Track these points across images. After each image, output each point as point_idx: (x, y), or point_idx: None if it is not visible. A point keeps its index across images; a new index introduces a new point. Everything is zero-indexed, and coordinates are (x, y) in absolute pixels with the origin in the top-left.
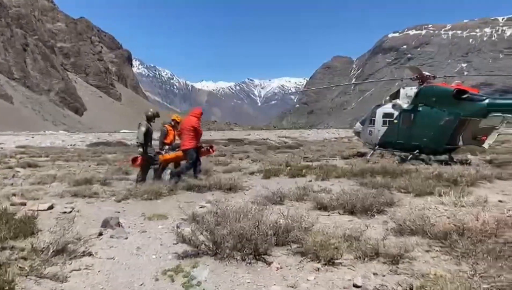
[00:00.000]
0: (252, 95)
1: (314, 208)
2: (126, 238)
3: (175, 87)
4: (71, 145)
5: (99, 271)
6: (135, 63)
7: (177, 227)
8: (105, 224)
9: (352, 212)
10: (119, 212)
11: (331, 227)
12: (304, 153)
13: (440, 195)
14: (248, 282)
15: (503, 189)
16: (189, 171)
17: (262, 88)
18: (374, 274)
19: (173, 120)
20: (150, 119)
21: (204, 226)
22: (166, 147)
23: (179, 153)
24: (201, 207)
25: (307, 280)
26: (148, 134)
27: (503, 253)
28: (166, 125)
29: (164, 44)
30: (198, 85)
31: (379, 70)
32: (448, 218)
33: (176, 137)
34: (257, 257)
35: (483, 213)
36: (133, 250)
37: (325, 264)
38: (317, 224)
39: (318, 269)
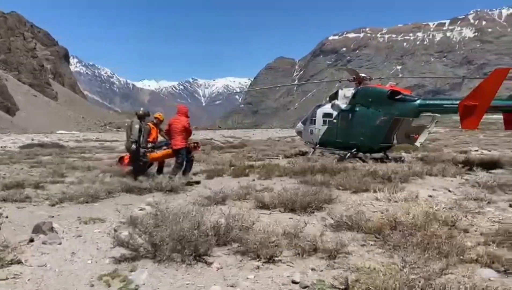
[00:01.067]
0: (196, 95)
1: (256, 207)
2: (60, 244)
3: (115, 86)
4: (1, 147)
5: (28, 280)
6: (72, 61)
7: (115, 230)
8: (37, 229)
9: (292, 210)
10: (53, 216)
11: (272, 225)
12: (248, 152)
13: (375, 192)
14: (188, 284)
15: (433, 184)
16: (179, 170)
17: (206, 87)
18: (312, 269)
19: (156, 118)
20: (141, 117)
21: (143, 229)
22: (149, 145)
23: (166, 151)
24: (140, 210)
25: (247, 278)
26: (140, 132)
27: (431, 244)
28: (149, 123)
29: (104, 42)
30: (139, 84)
31: (320, 72)
32: (382, 213)
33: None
34: (197, 258)
35: (414, 208)
36: (67, 256)
37: (265, 262)
38: (258, 222)
39: (258, 267)
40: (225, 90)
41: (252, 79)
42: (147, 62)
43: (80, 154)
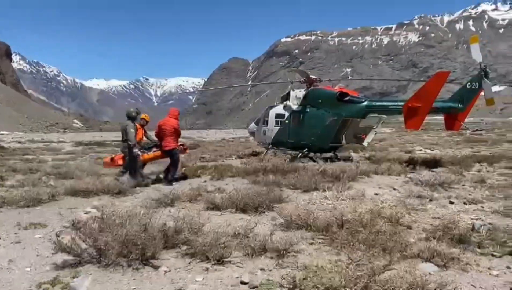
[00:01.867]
0: (147, 94)
1: (206, 208)
2: None
3: (62, 85)
4: None
5: None
6: (15, 58)
7: (57, 235)
8: None
9: (244, 210)
10: None
11: (222, 226)
12: (201, 153)
13: (324, 190)
14: (134, 289)
15: (379, 183)
16: (176, 169)
17: (158, 87)
18: (261, 269)
19: (142, 119)
20: (133, 119)
21: (87, 233)
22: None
23: (158, 153)
24: (86, 213)
25: (196, 281)
26: (135, 135)
27: (376, 241)
28: (136, 124)
29: (49, 39)
30: (88, 83)
31: (274, 73)
32: (330, 211)
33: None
34: (144, 262)
35: (360, 206)
36: (4, 263)
37: (215, 264)
38: (208, 224)
39: (207, 269)
40: (178, 90)
41: (205, 79)
42: (96, 60)
43: (23, 155)
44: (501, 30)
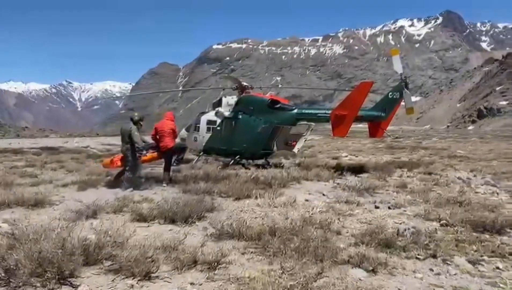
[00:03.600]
0: (71, 99)
1: (133, 220)
2: None
3: None
4: None
5: None
6: None
7: None
8: None
9: (173, 221)
10: None
11: (149, 238)
12: None
13: (256, 198)
14: None
15: (309, 189)
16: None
17: (82, 91)
18: (191, 284)
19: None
20: (136, 123)
21: None
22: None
23: (154, 154)
24: None
25: None
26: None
27: (307, 248)
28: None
29: None
30: (4, 86)
31: (205, 79)
32: (263, 219)
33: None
34: (61, 281)
35: (292, 213)
36: None
37: (141, 280)
38: (134, 236)
39: (133, 286)
40: (104, 95)
41: (133, 84)
42: (14, 62)
43: None
44: (417, 45)
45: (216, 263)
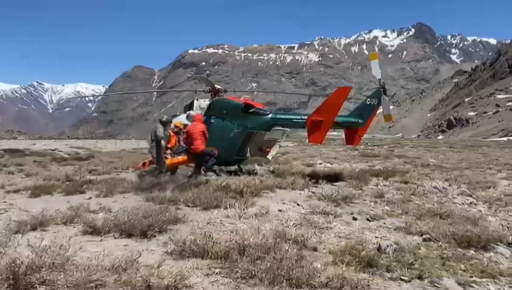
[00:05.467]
0: (41, 101)
1: (84, 233)
2: None
3: None
4: None
5: None
6: None
7: None
8: None
9: (130, 234)
10: None
11: (99, 256)
12: (94, 165)
13: (226, 208)
14: None
15: (283, 198)
16: (212, 167)
17: (54, 93)
18: None
19: (176, 126)
20: (165, 124)
21: None
22: (169, 151)
23: (185, 157)
24: None
25: None
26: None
27: (280, 270)
28: (169, 131)
29: None
30: None
31: (180, 84)
32: (232, 232)
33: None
34: None
35: (264, 226)
36: None
37: None
38: (83, 253)
39: None
40: (76, 97)
41: (107, 87)
42: None
43: None
44: (390, 55)
45: (173, 288)
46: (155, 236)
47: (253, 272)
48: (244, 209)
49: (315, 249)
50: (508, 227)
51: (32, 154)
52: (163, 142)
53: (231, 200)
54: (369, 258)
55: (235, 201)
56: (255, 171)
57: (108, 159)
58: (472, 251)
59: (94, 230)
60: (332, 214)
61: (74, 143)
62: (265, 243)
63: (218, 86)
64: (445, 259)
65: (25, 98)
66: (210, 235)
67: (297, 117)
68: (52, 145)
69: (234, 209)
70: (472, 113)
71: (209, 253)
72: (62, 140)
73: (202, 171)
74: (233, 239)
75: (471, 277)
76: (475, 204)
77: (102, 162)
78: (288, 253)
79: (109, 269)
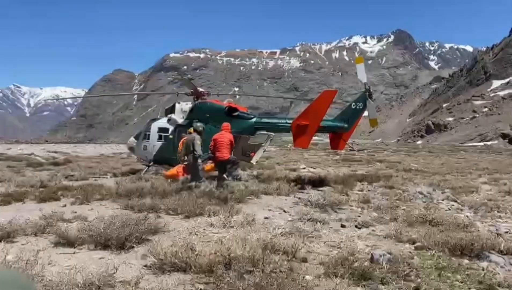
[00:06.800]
0: (18, 104)
1: (56, 245)
2: None
3: None
4: None
5: None
6: None
7: None
8: None
9: (106, 246)
10: None
11: (71, 271)
12: (71, 170)
13: (209, 216)
14: None
15: (268, 204)
16: (237, 175)
17: (31, 96)
18: None
19: (190, 132)
20: (200, 133)
21: None
22: (185, 157)
23: (213, 165)
24: None
25: None
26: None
27: (271, 285)
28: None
29: None
30: None
31: (161, 87)
32: (216, 243)
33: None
34: None
35: (251, 236)
36: None
37: None
38: (53, 267)
39: None
40: (55, 101)
41: (86, 90)
42: None
43: None
44: (370, 61)
45: None
46: (133, 247)
47: (241, 288)
48: (228, 217)
49: (305, 260)
50: (498, 234)
51: (7, 159)
52: (199, 162)
53: (215, 207)
54: (362, 269)
55: (219, 208)
56: (239, 176)
57: (87, 164)
58: (466, 260)
59: (67, 242)
60: (320, 221)
61: (52, 147)
62: (252, 255)
63: (201, 89)
64: (440, 269)
65: (1, 102)
66: (193, 247)
67: (282, 121)
68: (29, 150)
69: (218, 216)
70: (450, 119)
71: (192, 266)
72: (40, 144)
73: (228, 178)
74: (217, 252)
75: (469, 289)
76: (461, 210)
77: (79, 167)
78: (278, 265)
79: (81, 287)
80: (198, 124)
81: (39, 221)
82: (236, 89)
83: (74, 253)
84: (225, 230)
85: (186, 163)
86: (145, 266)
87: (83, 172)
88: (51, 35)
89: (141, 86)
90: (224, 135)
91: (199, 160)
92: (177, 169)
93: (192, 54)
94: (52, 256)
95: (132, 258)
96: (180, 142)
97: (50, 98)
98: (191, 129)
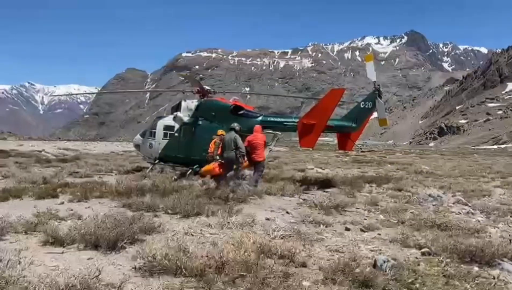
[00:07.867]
0: (33, 101)
1: (44, 243)
2: None
3: None
4: None
5: None
6: None
7: None
8: None
9: (96, 246)
10: None
11: (57, 272)
12: (77, 167)
13: (208, 216)
14: None
15: (272, 205)
16: (261, 178)
17: (45, 94)
18: None
19: (221, 134)
20: (237, 132)
21: None
22: (217, 157)
23: (246, 163)
24: None
25: None
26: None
27: None
28: (216, 139)
29: None
30: None
31: (173, 87)
32: (211, 245)
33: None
34: None
35: (247, 239)
36: None
37: None
38: (38, 267)
39: None
40: (68, 98)
41: (99, 89)
42: None
43: None
44: (383, 62)
45: None
46: (125, 248)
47: None
48: (227, 217)
49: (304, 265)
50: (510, 240)
51: (17, 155)
52: (241, 159)
53: (214, 207)
54: (364, 276)
55: (219, 208)
56: (244, 175)
57: (94, 161)
58: (476, 268)
59: (56, 240)
60: (323, 224)
61: (63, 144)
62: (247, 258)
63: (207, 87)
64: (448, 277)
65: (16, 99)
66: (185, 249)
67: (288, 120)
68: (40, 147)
69: (217, 217)
70: (463, 121)
71: (183, 269)
72: (52, 141)
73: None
74: (210, 254)
75: None
76: (473, 214)
77: (86, 164)
78: (272, 270)
79: (63, 289)
80: (235, 124)
81: (31, 219)
82: (247, 89)
83: (62, 252)
84: (222, 231)
85: (220, 161)
86: (134, 268)
87: (88, 169)
88: (66, 35)
89: (154, 85)
90: (259, 137)
91: (241, 159)
92: (213, 165)
93: (204, 54)
94: (38, 255)
95: (123, 259)
96: (212, 142)
97: (63, 94)
98: (221, 131)
